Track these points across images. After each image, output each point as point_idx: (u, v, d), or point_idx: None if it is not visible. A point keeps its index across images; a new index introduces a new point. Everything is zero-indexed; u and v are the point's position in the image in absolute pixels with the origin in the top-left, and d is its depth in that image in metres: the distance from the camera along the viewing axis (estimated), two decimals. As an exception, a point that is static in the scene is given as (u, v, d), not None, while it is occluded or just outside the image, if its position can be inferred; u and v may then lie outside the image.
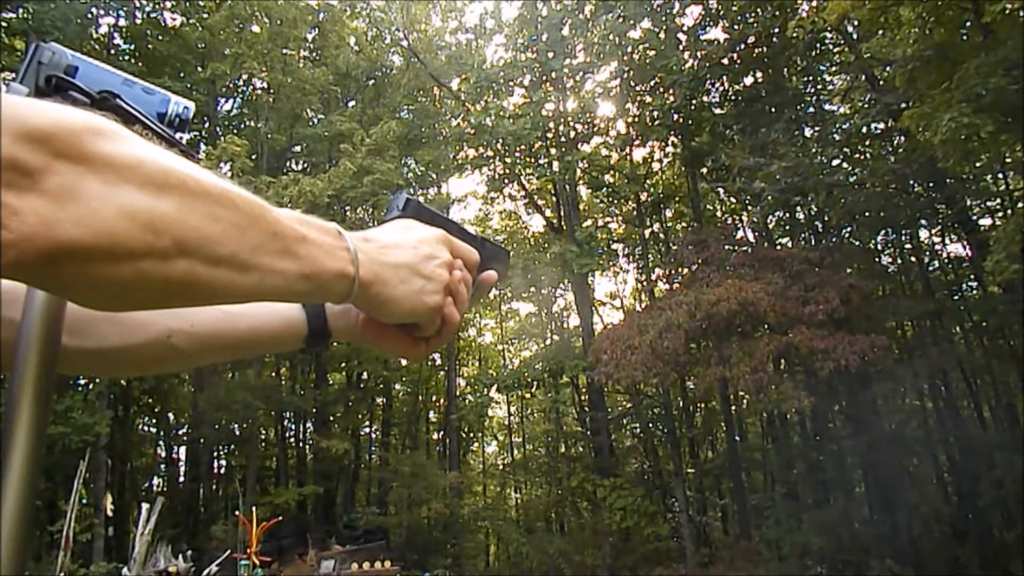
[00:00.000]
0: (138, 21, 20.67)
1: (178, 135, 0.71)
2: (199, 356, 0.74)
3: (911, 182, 15.25)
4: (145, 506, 12.43)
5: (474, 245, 0.77)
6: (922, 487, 15.80)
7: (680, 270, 17.25)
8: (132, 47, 20.89)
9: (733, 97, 18.34)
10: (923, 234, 18.38)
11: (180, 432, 24.09)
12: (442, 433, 26.79)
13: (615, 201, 22.00)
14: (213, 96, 21.70)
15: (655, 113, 18.06)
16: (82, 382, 17.90)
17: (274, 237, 0.52)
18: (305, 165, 23.69)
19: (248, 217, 0.50)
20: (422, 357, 0.75)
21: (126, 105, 0.65)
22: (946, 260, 18.72)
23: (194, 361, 0.75)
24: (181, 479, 23.32)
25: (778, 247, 17.69)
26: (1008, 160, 14.27)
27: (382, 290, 0.62)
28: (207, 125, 21.75)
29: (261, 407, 19.95)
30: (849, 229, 17.81)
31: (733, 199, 19.42)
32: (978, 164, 13.80)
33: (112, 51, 19.65)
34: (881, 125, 15.47)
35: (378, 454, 25.19)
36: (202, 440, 22.14)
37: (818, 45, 16.89)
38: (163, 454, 24.54)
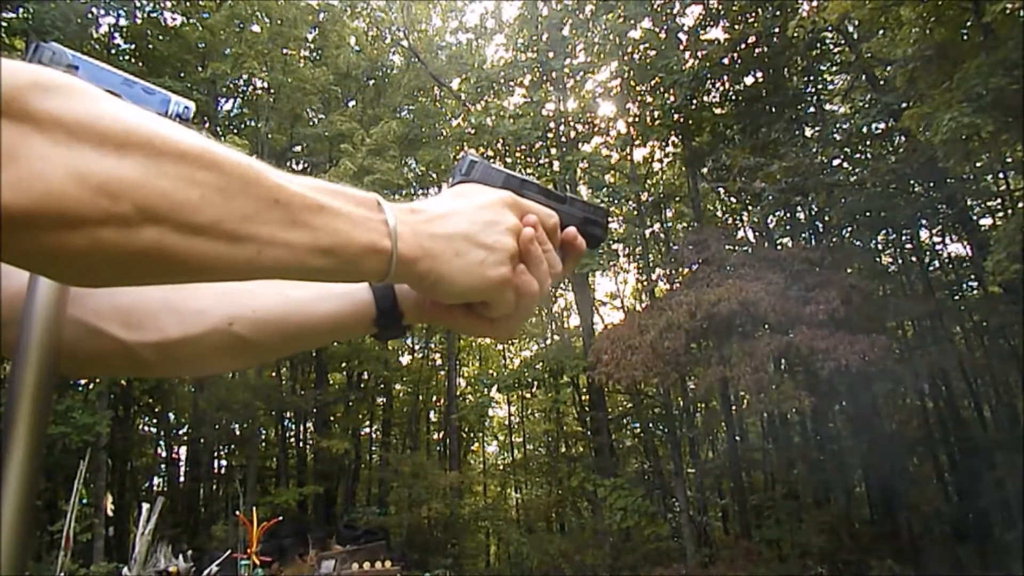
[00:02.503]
0: (138, 21, 20.66)
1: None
2: (265, 345, 0.67)
3: (911, 182, 15.25)
4: (145, 506, 12.42)
5: (561, 205, 0.68)
6: (922, 487, 15.80)
7: (680, 270, 17.26)
8: (132, 47, 20.87)
9: (733, 97, 18.35)
10: (923, 234, 18.38)
11: (180, 432, 24.09)
12: (442, 433, 26.79)
13: (615, 201, 21.98)
14: (213, 96, 21.69)
15: (655, 113, 18.07)
16: (82, 382, 17.91)
17: (274, 205, 0.47)
18: (305, 165, 23.69)
19: (237, 181, 0.45)
20: (507, 337, 0.68)
21: (126, 105, 0.65)
22: (946, 260, 18.72)
23: (260, 352, 0.69)
24: (181, 479, 23.33)
25: (778, 247, 17.71)
26: (1008, 160, 14.27)
27: (432, 266, 0.55)
28: (207, 125, 21.73)
29: (261, 407, 19.97)
30: (849, 229, 17.82)
31: (733, 199, 19.44)
32: (978, 164, 13.81)
33: (112, 51, 19.64)
34: (881, 125, 15.47)
35: (378, 454, 25.19)
36: (202, 440, 22.15)
37: (818, 45, 16.89)
38: (163, 454, 24.53)
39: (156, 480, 24.50)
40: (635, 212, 20.78)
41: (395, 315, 0.68)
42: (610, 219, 0.75)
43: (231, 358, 0.68)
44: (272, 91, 21.46)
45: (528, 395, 25.13)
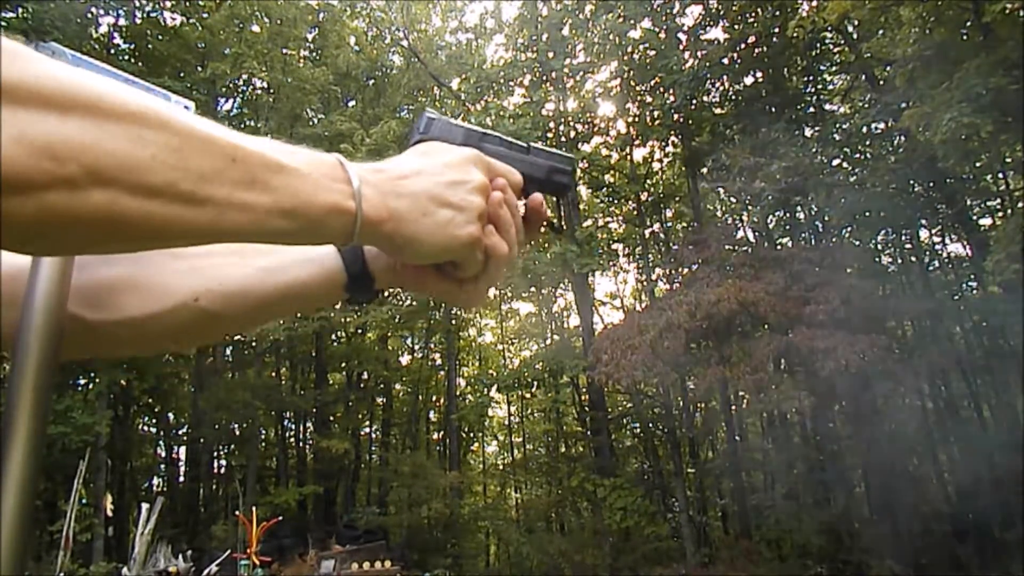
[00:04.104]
0: (138, 21, 20.67)
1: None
2: (233, 318, 0.66)
3: (911, 182, 15.25)
4: (145, 506, 12.43)
5: (525, 156, 0.66)
6: (922, 487, 15.79)
7: (680, 270, 17.26)
8: (132, 47, 20.88)
9: (733, 97, 18.35)
10: (923, 234, 18.38)
11: (180, 432, 24.10)
12: (442, 433, 26.79)
13: (615, 201, 22.00)
14: (213, 96, 21.70)
15: (655, 113, 18.07)
16: (82, 382, 17.92)
17: (232, 164, 0.45)
18: (305, 165, 23.67)
19: (191, 140, 0.43)
20: (475, 302, 0.67)
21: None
22: (946, 260, 18.72)
23: (229, 324, 0.67)
24: (181, 479, 23.33)
25: (778, 247, 17.70)
26: (1008, 160, 14.27)
27: (399, 227, 0.54)
28: (207, 125, 21.72)
29: (261, 407, 19.96)
30: (849, 229, 17.81)
31: (733, 199, 19.41)
32: (978, 164, 13.82)
33: (112, 51, 19.65)
34: (881, 125, 15.47)
35: (378, 454, 25.19)
36: (202, 440, 22.15)
37: (818, 45, 16.90)
38: (163, 454, 24.55)
39: (156, 480, 24.52)
40: (635, 212, 20.79)
41: (366, 279, 0.66)
42: (576, 167, 0.75)
43: (199, 333, 0.67)
44: (272, 91, 21.47)
45: (528, 395, 25.12)
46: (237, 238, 0.47)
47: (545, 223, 0.71)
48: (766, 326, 13.87)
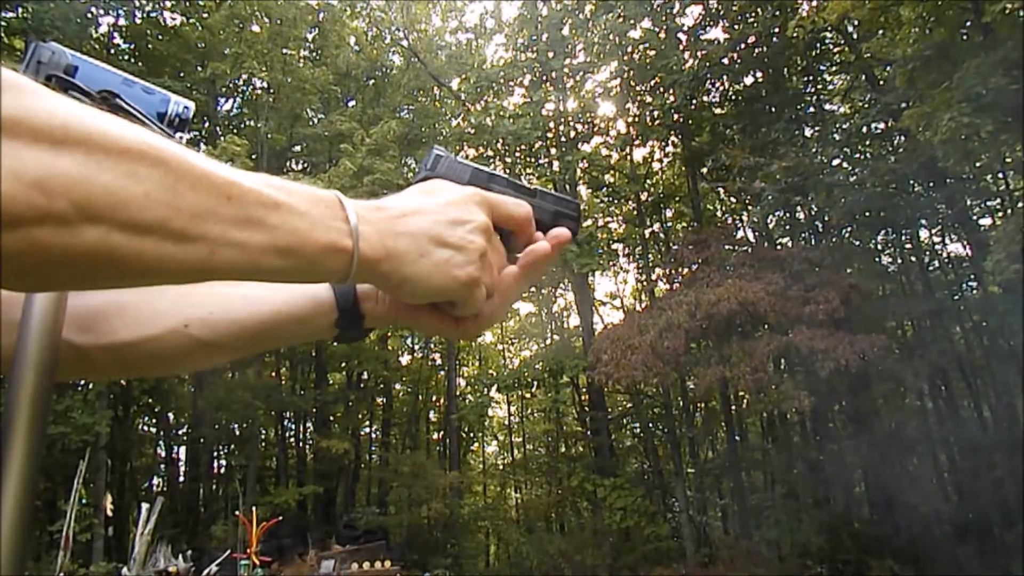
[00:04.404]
0: (138, 21, 20.68)
1: (178, 135, 0.69)
2: (222, 347, 0.66)
3: (911, 182, 15.25)
4: (145, 506, 12.43)
5: (531, 199, 0.65)
6: (922, 487, 15.79)
7: (680, 270, 17.26)
8: (132, 47, 20.89)
9: (733, 97, 18.35)
10: (923, 234, 18.38)
11: (180, 432, 24.10)
12: (442, 433, 26.80)
13: (615, 201, 22.00)
14: (213, 96, 21.70)
15: (655, 113, 18.07)
16: (81, 382, 17.91)
17: (226, 202, 0.44)
18: (305, 165, 23.70)
19: (185, 177, 0.42)
20: (473, 337, 0.66)
21: (126, 105, 0.64)
22: (946, 260, 18.72)
23: (218, 353, 0.67)
24: (181, 479, 23.33)
25: (778, 247, 17.70)
26: (1008, 160, 14.27)
27: (396, 266, 0.53)
28: (207, 125, 21.75)
29: (261, 407, 19.96)
30: (849, 229, 17.81)
31: (733, 199, 19.43)
32: (978, 164, 13.81)
33: (112, 51, 19.65)
34: (881, 125, 15.48)
35: (378, 454, 25.20)
36: (202, 440, 22.15)
37: (818, 45, 16.90)
38: (163, 454, 24.56)
39: (156, 480, 24.52)
40: (635, 212, 20.79)
41: (356, 316, 0.66)
42: (582, 211, 0.75)
43: (188, 360, 0.67)
44: (272, 91, 21.47)
45: (528, 395, 25.14)
46: (231, 276, 0.46)
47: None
48: (766, 326, 13.88)
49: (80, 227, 0.38)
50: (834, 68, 18.30)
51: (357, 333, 0.68)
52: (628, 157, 20.56)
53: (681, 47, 17.71)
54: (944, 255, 18.93)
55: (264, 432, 23.07)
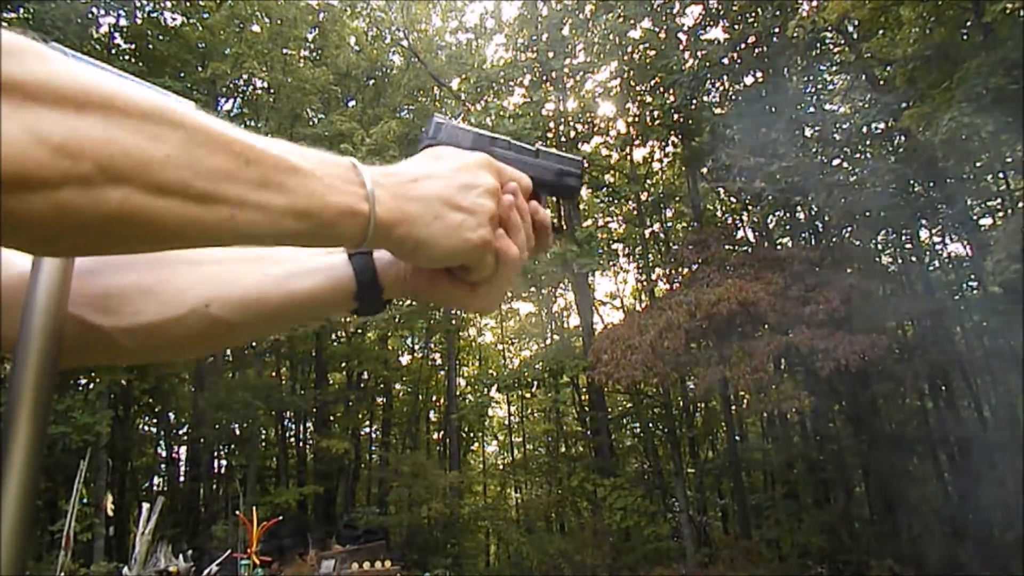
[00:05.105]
0: (138, 21, 20.66)
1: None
2: (244, 325, 0.65)
3: (911, 182, 15.25)
4: (145, 506, 12.42)
5: (534, 159, 0.66)
6: (922, 487, 15.79)
7: (680, 270, 17.27)
8: (132, 47, 20.88)
9: (733, 97, 18.34)
10: (923, 234, 18.38)
11: (180, 432, 24.09)
12: (442, 433, 26.79)
13: (615, 201, 22.00)
14: (213, 96, 21.69)
15: (655, 113, 18.07)
16: (82, 381, 17.92)
17: (247, 164, 0.45)
18: (305, 165, 23.66)
19: (206, 140, 0.43)
20: (490, 307, 0.67)
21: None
22: (946, 260, 18.72)
23: (241, 332, 0.67)
24: (181, 479, 23.32)
25: (778, 247, 17.71)
26: (1008, 160, 14.27)
27: (411, 230, 0.55)
28: (207, 125, 21.72)
29: (261, 407, 19.96)
30: (849, 229, 17.81)
31: (733, 199, 19.42)
32: (978, 164, 13.81)
33: (112, 51, 19.65)
34: (881, 125, 15.47)
35: (378, 454, 25.19)
36: (202, 440, 22.14)
37: (818, 45, 16.88)
38: (163, 454, 24.54)
39: (156, 480, 24.51)
40: (635, 212, 20.79)
41: (375, 289, 0.66)
42: (586, 169, 0.76)
43: (211, 339, 0.66)
44: (272, 91, 21.47)
45: (528, 395, 25.13)
46: (251, 239, 0.47)
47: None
48: (766, 326, 13.87)
49: (104, 189, 0.39)
50: (834, 68, 18.29)
51: (376, 305, 0.68)
52: (628, 157, 20.57)
53: (681, 47, 17.71)
54: (944, 255, 18.93)
55: (264, 432, 23.06)
